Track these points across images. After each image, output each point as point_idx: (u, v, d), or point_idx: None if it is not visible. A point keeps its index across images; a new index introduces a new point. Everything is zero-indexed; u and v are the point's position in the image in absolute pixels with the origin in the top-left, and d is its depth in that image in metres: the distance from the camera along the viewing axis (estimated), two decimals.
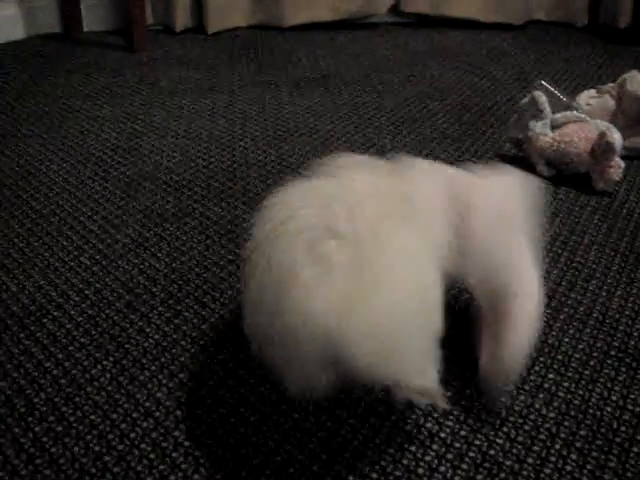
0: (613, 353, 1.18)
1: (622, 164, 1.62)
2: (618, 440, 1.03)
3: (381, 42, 2.70)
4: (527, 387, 1.11)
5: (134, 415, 1.04)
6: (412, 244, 0.89)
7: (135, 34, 2.44)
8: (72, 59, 2.45)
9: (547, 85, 1.73)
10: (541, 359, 1.16)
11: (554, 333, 1.22)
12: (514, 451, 1.00)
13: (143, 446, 0.99)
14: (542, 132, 1.66)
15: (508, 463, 0.98)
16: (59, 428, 1.02)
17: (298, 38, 2.72)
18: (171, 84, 2.25)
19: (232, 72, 2.36)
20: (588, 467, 0.99)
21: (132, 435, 1.01)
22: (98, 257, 1.39)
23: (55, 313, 1.24)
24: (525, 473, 0.97)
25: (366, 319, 0.80)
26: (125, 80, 2.29)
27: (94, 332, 1.20)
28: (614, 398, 1.10)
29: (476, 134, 1.94)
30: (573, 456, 1.00)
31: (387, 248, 0.86)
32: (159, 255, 1.39)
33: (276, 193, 0.93)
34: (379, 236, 0.86)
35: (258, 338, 0.88)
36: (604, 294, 1.31)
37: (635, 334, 1.22)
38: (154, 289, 1.29)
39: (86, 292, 1.29)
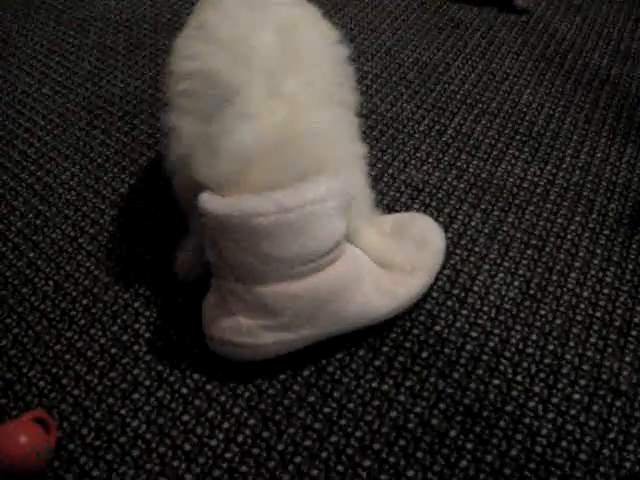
0: (518, 137, 1.35)
1: None
2: (517, 202, 1.21)
3: None
4: (441, 165, 1.28)
5: (102, 207, 1.21)
6: None
7: None
8: None
9: None
10: (454, 144, 1.33)
11: (467, 124, 1.38)
12: (427, 213, 1.18)
13: (112, 229, 1.16)
14: None
15: None
16: (37, 221, 1.19)
17: None
18: None
19: None
20: (490, 222, 1.17)
21: (101, 221, 1.18)
22: (58, 88, 1.51)
23: (25, 135, 1.38)
24: None
25: None
26: None
27: (61, 147, 1.34)
28: (516, 171, 1.28)
29: None
30: (478, 214, 1.19)
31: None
32: (114, 82, 1.52)
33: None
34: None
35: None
36: (515, 92, 1.47)
37: (540, 122, 1.39)
38: (111, 109, 1.43)
39: (50, 117, 1.42)
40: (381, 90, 1.46)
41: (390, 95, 1.44)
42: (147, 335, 1.00)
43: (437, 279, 1.07)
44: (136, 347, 0.98)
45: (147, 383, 0.94)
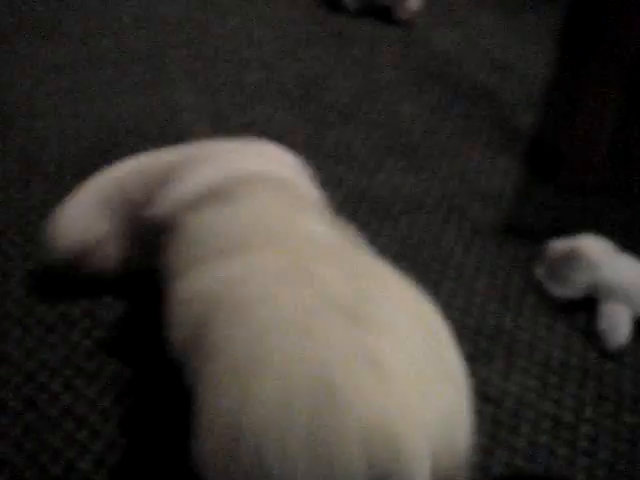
0: (397, 148, 1.37)
1: None
2: (393, 212, 1.22)
3: None
4: (319, 177, 1.28)
5: None
6: None
7: None
8: None
9: None
10: (332, 155, 1.33)
11: (345, 135, 1.39)
12: None
13: None
14: None
15: None
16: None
17: None
18: None
19: None
20: (366, 234, 1.17)
21: None
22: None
23: None
24: None
25: None
26: None
27: None
28: (394, 181, 1.29)
29: None
30: (354, 227, 1.19)
31: None
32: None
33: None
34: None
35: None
36: (394, 103, 1.49)
37: (418, 132, 1.41)
38: None
39: None
40: (261, 101, 1.45)
41: (269, 107, 1.44)
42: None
43: None
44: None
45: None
